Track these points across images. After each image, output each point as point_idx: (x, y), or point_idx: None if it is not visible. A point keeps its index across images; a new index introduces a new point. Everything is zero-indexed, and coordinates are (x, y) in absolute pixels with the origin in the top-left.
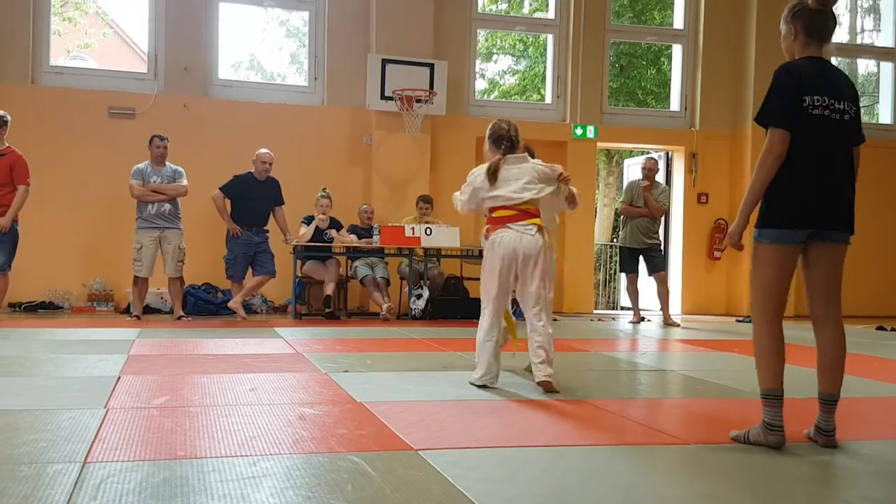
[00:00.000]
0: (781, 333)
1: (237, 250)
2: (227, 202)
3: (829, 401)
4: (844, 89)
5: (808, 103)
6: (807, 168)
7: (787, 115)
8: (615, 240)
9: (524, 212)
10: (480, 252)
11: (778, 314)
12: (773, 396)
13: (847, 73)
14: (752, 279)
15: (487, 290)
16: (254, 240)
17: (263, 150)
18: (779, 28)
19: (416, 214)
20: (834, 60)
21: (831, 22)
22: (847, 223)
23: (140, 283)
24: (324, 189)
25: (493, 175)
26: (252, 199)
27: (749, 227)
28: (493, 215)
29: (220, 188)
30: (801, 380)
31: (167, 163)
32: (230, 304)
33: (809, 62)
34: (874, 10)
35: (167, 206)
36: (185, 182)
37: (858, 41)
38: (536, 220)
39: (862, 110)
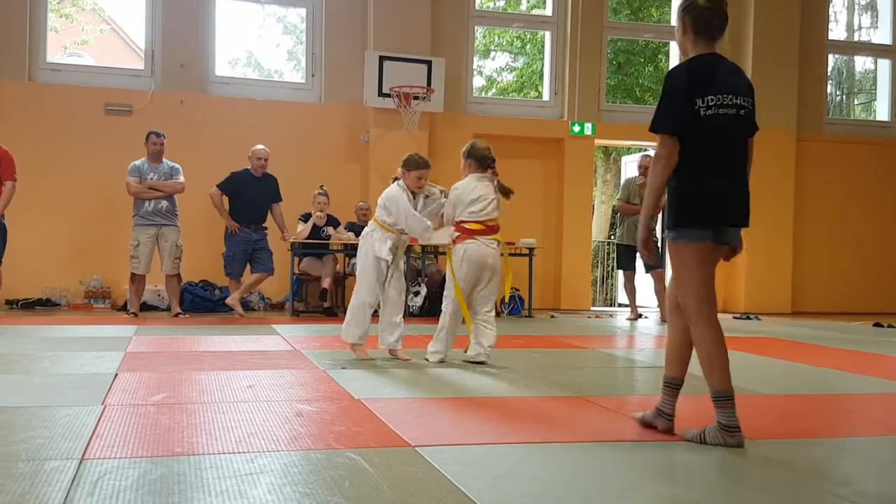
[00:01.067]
0: (721, 332)
1: (235, 247)
2: (225, 199)
3: (675, 385)
4: (740, 83)
5: (701, 105)
6: (712, 168)
7: (677, 121)
8: (612, 237)
9: (490, 227)
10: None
11: (713, 313)
12: (725, 397)
13: (840, 74)
14: (680, 281)
15: (463, 288)
16: (252, 237)
17: (259, 146)
18: (776, 26)
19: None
20: (831, 58)
21: (719, 19)
22: (747, 220)
23: (137, 280)
24: (321, 186)
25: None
26: (250, 195)
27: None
28: (465, 227)
29: (217, 185)
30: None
31: (164, 160)
32: (228, 301)
33: (700, 61)
34: (872, 7)
35: (164, 203)
36: (181, 179)
37: (856, 38)
38: (497, 236)
39: (859, 108)
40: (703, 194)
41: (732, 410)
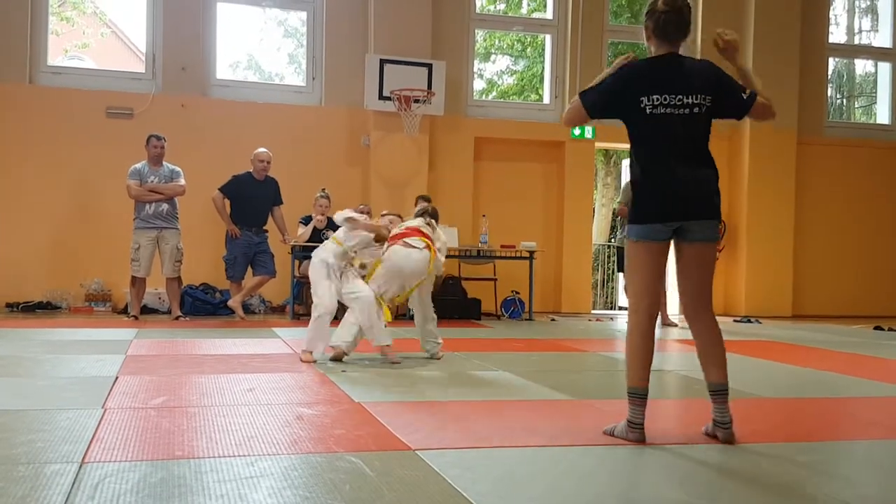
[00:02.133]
0: (652, 332)
1: (236, 251)
2: (227, 202)
3: (716, 391)
4: (696, 82)
5: (646, 104)
6: (657, 165)
7: (596, 99)
8: (613, 240)
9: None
10: (479, 252)
11: (649, 312)
12: (637, 394)
13: (840, 77)
14: (627, 279)
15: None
16: (253, 240)
17: (261, 150)
18: (776, 28)
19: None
20: (831, 61)
21: (679, 23)
22: (704, 212)
23: (138, 283)
24: (323, 189)
25: None
26: (251, 199)
27: None
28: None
29: (219, 189)
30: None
31: (164, 163)
32: (229, 303)
33: (656, 61)
34: (872, 10)
35: (165, 206)
36: (182, 182)
37: (856, 42)
38: (426, 239)
39: (860, 111)
40: (648, 192)
41: (639, 408)
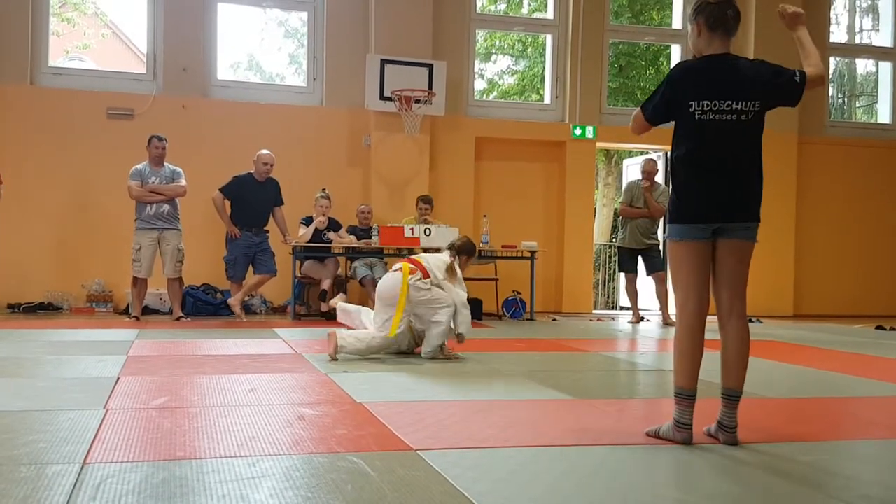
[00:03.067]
0: (700, 332)
1: (237, 251)
2: (227, 203)
3: (731, 396)
4: (746, 86)
5: (696, 108)
6: (700, 168)
7: (657, 110)
8: (614, 240)
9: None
10: (480, 252)
11: (695, 311)
12: (684, 395)
13: (841, 77)
14: (672, 279)
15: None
16: (253, 240)
17: (265, 151)
18: (776, 30)
19: (415, 215)
20: (832, 61)
21: (732, 17)
22: (745, 215)
23: (139, 284)
24: (323, 189)
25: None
26: (252, 199)
27: None
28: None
29: (219, 189)
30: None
31: (166, 163)
32: (229, 301)
33: (708, 62)
34: (873, 9)
35: (166, 207)
36: (183, 182)
37: (857, 41)
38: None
39: (861, 110)
40: (690, 193)
41: (686, 409)
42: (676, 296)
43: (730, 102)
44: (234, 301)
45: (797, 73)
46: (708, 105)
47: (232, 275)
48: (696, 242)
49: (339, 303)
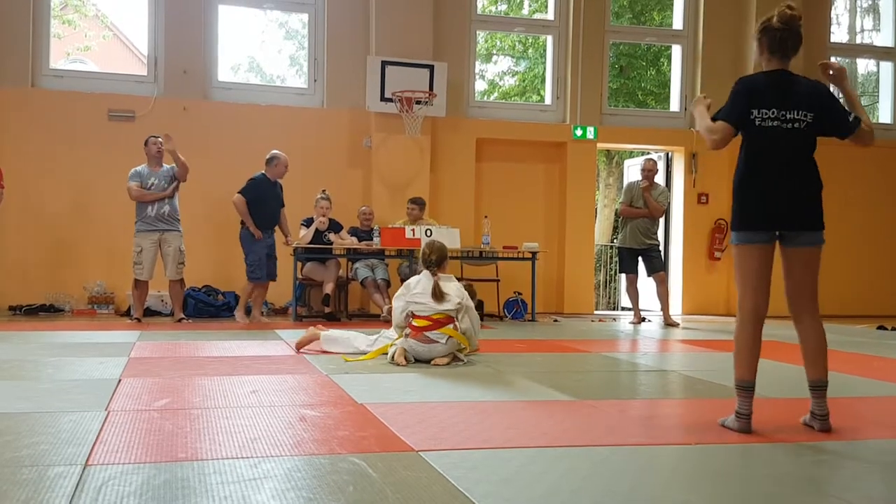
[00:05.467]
0: (757, 330)
1: (260, 251)
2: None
3: (819, 387)
4: (803, 99)
5: (756, 115)
6: (761, 175)
7: (736, 118)
8: (615, 240)
9: (436, 321)
10: (481, 253)
11: (753, 311)
12: (742, 387)
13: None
14: (735, 279)
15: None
16: (269, 241)
17: (283, 154)
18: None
19: (405, 218)
20: (833, 61)
21: (793, 39)
22: (808, 224)
23: (140, 285)
24: (323, 191)
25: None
26: (267, 200)
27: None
28: (414, 323)
29: (240, 192)
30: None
31: (164, 164)
32: (240, 317)
33: (767, 76)
34: (873, 9)
35: (166, 208)
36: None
37: (858, 41)
38: (449, 330)
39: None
40: (751, 200)
41: (747, 400)
42: (738, 294)
43: (785, 112)
44: (256, 315)
45: (851, 114)
46: (767, 113)
47: (259, 276)
48: (757, 246)
49: (321, 332)
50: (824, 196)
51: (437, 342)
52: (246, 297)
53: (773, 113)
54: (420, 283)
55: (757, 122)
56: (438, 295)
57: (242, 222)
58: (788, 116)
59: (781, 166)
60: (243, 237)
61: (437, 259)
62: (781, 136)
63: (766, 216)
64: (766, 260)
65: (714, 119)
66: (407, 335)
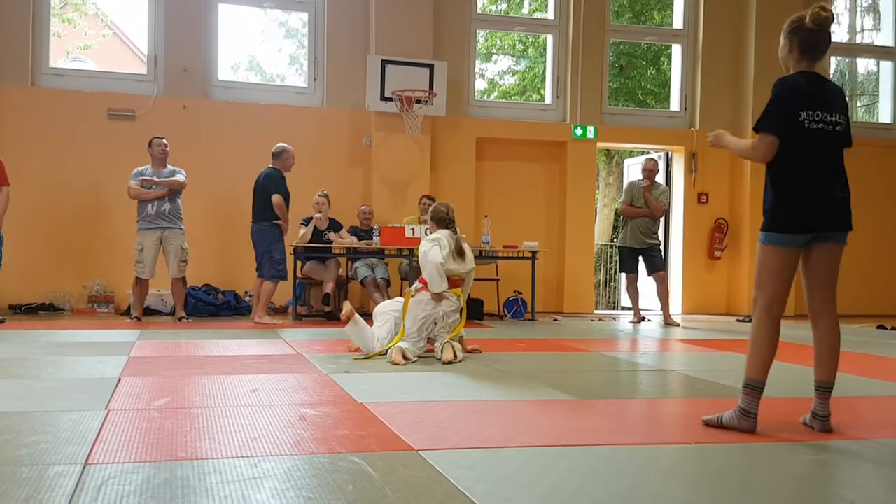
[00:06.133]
0: (774, 330)
1: (284, 249)
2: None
3: (825, 388)
4: (836, 101)
5: (804, 118)
6: (805, 179)
7: (780, 124)
8: (615, 240)
9: (451, 282)
10: (481, 253)
11: (779, 313)
12: (755, 387)
13: (843, 76)
14: (757, 279)
15: (408, 328)
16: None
17: (290, 146)
18: (778, 28)
19: (417, 214)
20: (833, 60)
21: (825, 42)
22: (843, 225)
23: (141, 284)
24: (322, 190)
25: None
26: (287, 196)
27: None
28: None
29: (278, 192)
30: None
31: (167, 164)
32: (265, 321)
33: (805, 77)
34: (874, 9)
35: (167, 206)
36: (181, 178)
37: (858, 40)
38: (458, 291)
39: (862, 109)
40: (794, 204)
41: (756, 399)
42: (756, 293)
43: (826, 114)
44: (265, 317)
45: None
46: (811, 115)
47: (284, 273)
48: (789, 250)
49: (355, 314)
50: None
51: (448, 299)
52: (268, 297)
53: (818, 115)
54: (441, 241)
55: (805, 125)
56: (460, 253)
57: (261, 219)
58: (830, 119)
59: (827, 171)
60: (267, 234)
61: (454, 217)
62: (826, 137)
63: (811, 221)
64: (794, 262)
65: (759, 121)
66: (418, 289)
